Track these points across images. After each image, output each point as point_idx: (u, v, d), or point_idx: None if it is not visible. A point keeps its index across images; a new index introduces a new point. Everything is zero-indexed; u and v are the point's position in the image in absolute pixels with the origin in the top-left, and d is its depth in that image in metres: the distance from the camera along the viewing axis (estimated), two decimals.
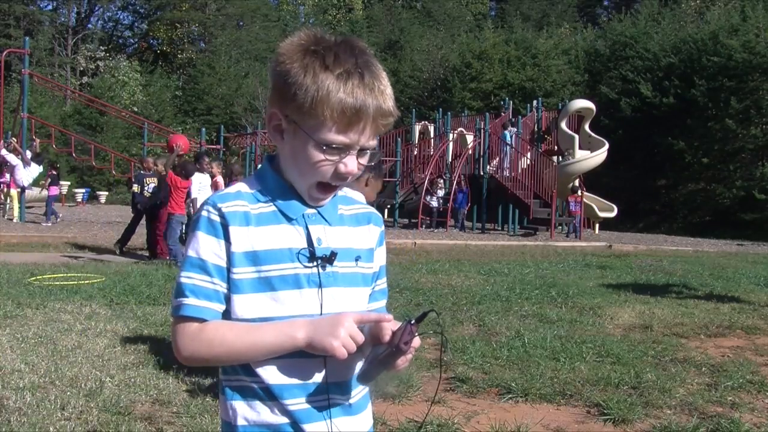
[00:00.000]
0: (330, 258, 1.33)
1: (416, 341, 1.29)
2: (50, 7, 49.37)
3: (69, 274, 8.41)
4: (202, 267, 1.30)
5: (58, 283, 7.73)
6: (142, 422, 3.63)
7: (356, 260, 1.39)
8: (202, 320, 1.30)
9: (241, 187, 1.37)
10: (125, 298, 6.94)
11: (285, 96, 1.29)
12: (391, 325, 1.31)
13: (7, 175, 17.62)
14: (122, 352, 4.93)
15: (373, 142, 1.33)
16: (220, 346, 1.29)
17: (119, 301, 6.81)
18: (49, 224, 16.24)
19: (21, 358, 4.67)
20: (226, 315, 1.33)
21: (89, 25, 51.00)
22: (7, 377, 4.25)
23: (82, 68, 45.67)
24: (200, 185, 10.56)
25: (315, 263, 1.33)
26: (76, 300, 6.76)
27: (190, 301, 1.30)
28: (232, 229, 1.30)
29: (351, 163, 1.31)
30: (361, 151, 1.32)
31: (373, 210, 1.47)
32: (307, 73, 1.26)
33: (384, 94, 1.30)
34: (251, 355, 1.31)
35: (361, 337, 1.27)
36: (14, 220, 16.73)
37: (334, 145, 1.28)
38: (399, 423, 3.74)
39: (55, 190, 18.19)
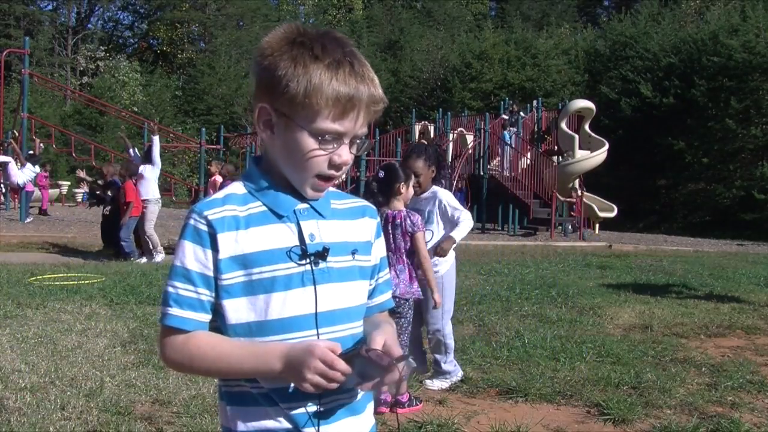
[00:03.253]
0: (323, 253, 1.32)
1: (392, 377, 1.26)
2: (50, 7, 49.41)
3: (69, 274, 8.40)
4: (187, 276, 1.30)
5: (58, 283, 7.73)
6: (142, 422, 3.63)
7: (352, 254, 1.37)
8: (185, 331, 1.30)
9: (229, 190, 1.36)
10: (125, 298, 6.94)
11: (274, 89, 1.28)
12: (380, 339, 1.30)
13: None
14: (122, 352, 4.93)
15: (364, 130, 1.34)
16: (200, 363, 1.30)
17: (119, 301, 6.81)
18: (29, 220, 16.34)
19: (21, 358, 4.67)
20: (221, 320, 1.32)
21: (89, 25, 51.02)
22: (7, 377, 4.25)
23: (82, 68, 45.67)
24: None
25: (307, 260, 1.31)
26: (76, 300, 6.76)
27: (173, 311, 1.30)
28: (221, 237, 1.29)
29: (345, 153, 1.31)
30: (352, 141, 1.32)
31: (366, 203, 1.48)
32: (297, 65, 1.26)
33: (373, 82, 1.31)
34: (231, 376, 1.31)
35: (333, 372, 1.22)
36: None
37: (327, 135, 1.28)
38: (399, 423, 3.74)
39: (30, 187, 18.00)
